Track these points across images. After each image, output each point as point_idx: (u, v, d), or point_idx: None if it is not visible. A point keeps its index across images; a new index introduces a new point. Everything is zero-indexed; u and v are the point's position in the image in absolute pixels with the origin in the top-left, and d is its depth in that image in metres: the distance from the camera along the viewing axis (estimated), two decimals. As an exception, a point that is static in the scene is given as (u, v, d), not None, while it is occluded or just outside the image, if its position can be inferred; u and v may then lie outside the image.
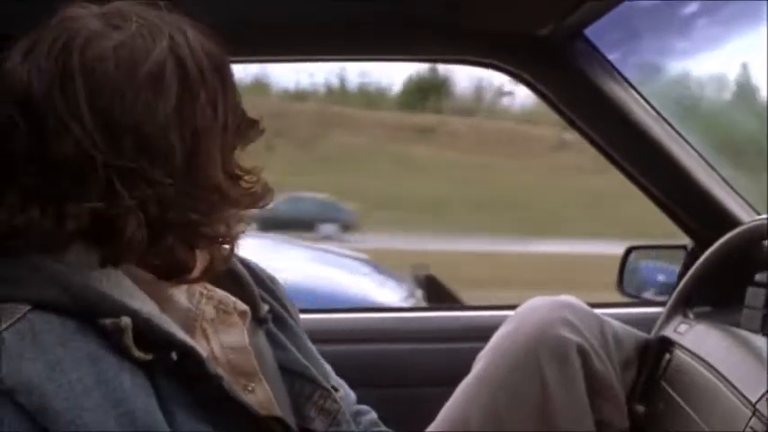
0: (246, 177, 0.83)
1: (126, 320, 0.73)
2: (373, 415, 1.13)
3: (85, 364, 0.71)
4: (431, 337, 1.68)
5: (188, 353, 0.76)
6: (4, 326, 0.71)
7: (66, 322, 0.72)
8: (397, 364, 1.64)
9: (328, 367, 1.06)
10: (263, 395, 0.85)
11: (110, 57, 0.76)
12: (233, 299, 0.88)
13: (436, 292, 2.81)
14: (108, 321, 0.73)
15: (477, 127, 9.34)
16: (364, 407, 1.13)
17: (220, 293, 0.86)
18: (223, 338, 0.84)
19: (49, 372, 0.69)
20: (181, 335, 0.77)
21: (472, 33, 1.48)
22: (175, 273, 0.80)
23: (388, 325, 1.71)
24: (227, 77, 0.83)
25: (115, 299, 0.75)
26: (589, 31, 1.51)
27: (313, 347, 1.03)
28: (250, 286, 0.94)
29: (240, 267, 0.95)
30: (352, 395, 1.10)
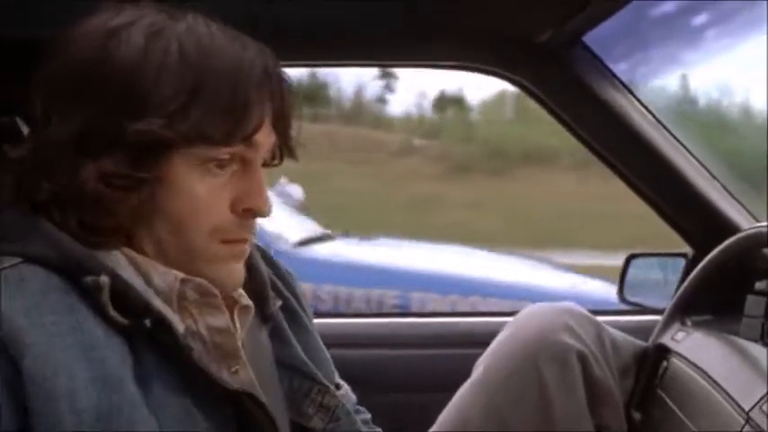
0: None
1: (104, 279, 0.78)
2: (366, 415, 1.13)
3: (62, 312, 0.76)
4: (430, 343, 1.68)
5: (162, 323, 0.79)
6: None
7: (52, 276, 0.78)
8: (395, 370, 1.64)
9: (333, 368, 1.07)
10: (245, 377, 0.87)
11: None
12: (240, 292, 0.89)
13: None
14: (89, 279, 0.78)
15: (329, 133, 9.41)
16: (359, 407, 1.13)
17: (198, 279, 0.86)
18: (208, 320, 0.85)
19: (25, 311, 0.74)
20: (158, 305, 0.81)
21: (471, 40, 1.48)
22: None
23: (387, 330, 1.71)
24: None
25: (100, 260, 0.80)
26: (593, 41, 1.51)
27: (323, 346, 1.03)
28: (263, 279, 0.95)
29: (259, 260, 0.96)
30: (353, 397, 1.10)
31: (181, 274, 0.83)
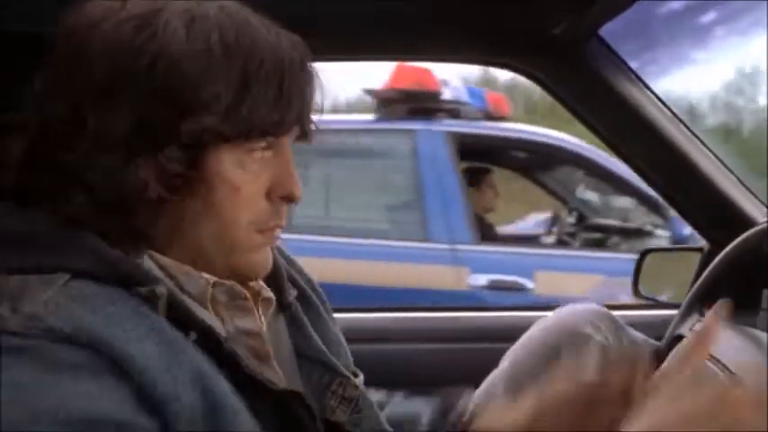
0: None
1: (162, 289, 0.76)
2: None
3: (135, 317, 0.73)
4: (455, 337, 1.69)
5: (207, 333, 0.78)
6: (52, 290, 0.72)
7: (106, 287, 0.74)
8: (420, 364, 1.65)
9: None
10: (275, 378, 0.86)
11: None
12: (261, 284, 0.89)
13: None
14: (143, 289, 0.75)
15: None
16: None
17: (229, 282, 0.85)
18: (237, 322, 0.85)
19: (105, 322, 0.71)
20: (200, 314, 0.79)
21: (486, 33, 1.48)
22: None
23: (412, 325, 1.72)
24: None
25: (147, 269, 0.78)
26: (605, 36, 1.51)
27: (339, 334, 1.02)
28: (280, 270, 0.94)
29: (274, 250, 0.94)
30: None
31: (212, 278, 0.82)
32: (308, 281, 1.02)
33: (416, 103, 3.84)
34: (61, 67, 0.78)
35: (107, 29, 0.77)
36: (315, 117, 0.87)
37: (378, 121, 4.01)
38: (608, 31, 1.47)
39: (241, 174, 0.80)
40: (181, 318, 0.77)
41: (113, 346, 0.70)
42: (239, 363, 0.79)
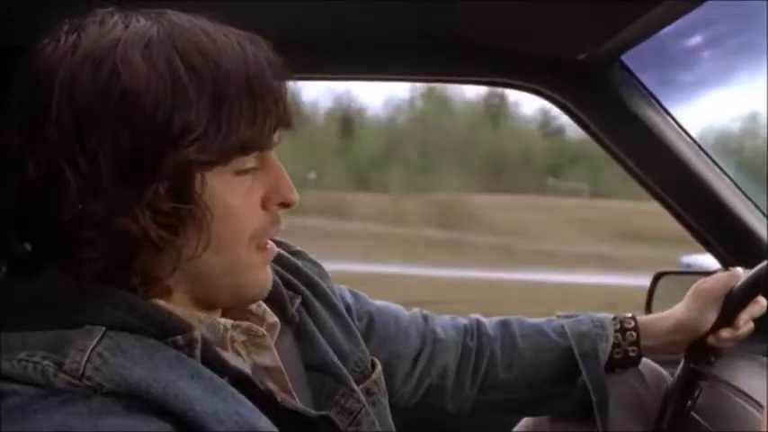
0: None
1: (197, 333, 0.76)
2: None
3: (175, 366, 0.73)
4: None
5: (239, 376, 0.78)
6: (93, 343, 0.71)
7: (142, 339, 0.74)
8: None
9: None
10: (301, 406, 0.86)
11: None
12: (264, 309, 0.89)
13: None
14: (179, 337, 0.75)
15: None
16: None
17: (246, 324, 0.86)
18: (256, 359, 0.86)
19: (150, 376, 0.70)
20: (234, 362, 0.80)
21: (509, 57, 1.50)
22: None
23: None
24: None
25: (180, 316, 0.77)
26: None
27: (353, 331, 1.01)
28: (278, 287, 0.93)
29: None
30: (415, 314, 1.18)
31: (229, 322, 0.83)
32: (309, 281, 1.00)
33: None
34: (28, 123, 0.72)
35: (65, 75, 0.71)
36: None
37: None
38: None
39: (233, 195, 0.77)
40: (213, 362, 0.76)
41: (158, 395, 0.69)
42: (275, 398, 0.80)
